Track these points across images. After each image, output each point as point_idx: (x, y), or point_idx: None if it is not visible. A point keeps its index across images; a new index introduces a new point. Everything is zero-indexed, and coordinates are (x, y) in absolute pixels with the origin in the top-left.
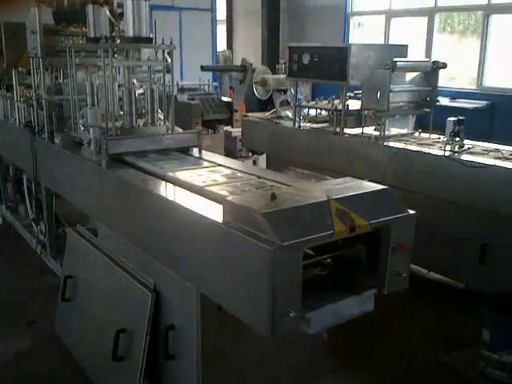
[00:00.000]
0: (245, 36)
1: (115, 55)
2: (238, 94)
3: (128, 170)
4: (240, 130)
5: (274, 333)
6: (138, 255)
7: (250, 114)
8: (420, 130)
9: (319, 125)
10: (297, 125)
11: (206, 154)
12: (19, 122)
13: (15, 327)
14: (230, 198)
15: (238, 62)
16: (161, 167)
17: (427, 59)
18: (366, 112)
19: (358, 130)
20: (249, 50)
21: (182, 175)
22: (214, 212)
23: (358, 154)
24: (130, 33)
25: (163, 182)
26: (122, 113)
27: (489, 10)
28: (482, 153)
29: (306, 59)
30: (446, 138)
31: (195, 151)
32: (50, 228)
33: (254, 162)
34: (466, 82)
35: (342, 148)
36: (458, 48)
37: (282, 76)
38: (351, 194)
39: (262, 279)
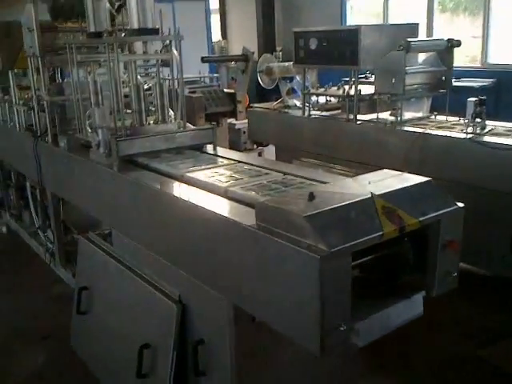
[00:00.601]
0: (239, 25)
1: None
2: (241, 85)
3: (142, 172)
4: (244, 121)
5: (324, 349)
6: (159, 264)
7: (255, 105)
8: (436, 113)
9: (330, 112)
10: (306, 113)
11: (221, 151)
12: (19, 126)
13: (29, 342)
14: (263, 200)
15: (233, 51)
16: (176, 167)
17: (441, 38)
18: (381, 96)
19: (371, 116)
20: (244, 38)
21: (201, 175)
22: (244, 215)
23: (374, 141)
24: (135, 24)
25: (182, 184)
26: (128, 111)
27: None
28: (505, 134)
29: (313, 44)
30: (466, 120)
31: (209, 148)
32: (58, 235)
33: (260, 154)
34: (466, 61)
35: (356, 135)
36: (451, 27)
37: (288, 63)
38: (395, 188)
39: (308, 290)
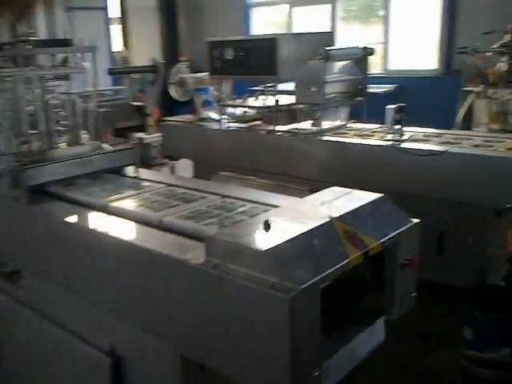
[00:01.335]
0: (140, 34)
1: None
2: (150, 98)
3: (56, 203)
4: (154, 136)
5: None
6: (85, 310)
7: (168, 118)
8: (353, 121)
9: (248, 124)
10: (224, 126)
11: (145, 173)
12: None
13: None
14: (213, 234)
15: (135, 62)
16: (97, 196)
17: (356, 46)
18: (300, 106)
19: (291, 127)
20: (146, 48)
21: (128, 204)
22: (188, 250)
23: (296, 152)
24: (42, 35)
25: (107, 216)
26: (34, 133)
27: None
28: (424, 139)
29: (229, 54)
30: (386, 127)
31: (130, 170)
32: None
33: (172, 169)
34: None
35: (277, 147)
36: (345, 35)
37: (202, 74)
38: (351, 208)
39: (275, 335)
